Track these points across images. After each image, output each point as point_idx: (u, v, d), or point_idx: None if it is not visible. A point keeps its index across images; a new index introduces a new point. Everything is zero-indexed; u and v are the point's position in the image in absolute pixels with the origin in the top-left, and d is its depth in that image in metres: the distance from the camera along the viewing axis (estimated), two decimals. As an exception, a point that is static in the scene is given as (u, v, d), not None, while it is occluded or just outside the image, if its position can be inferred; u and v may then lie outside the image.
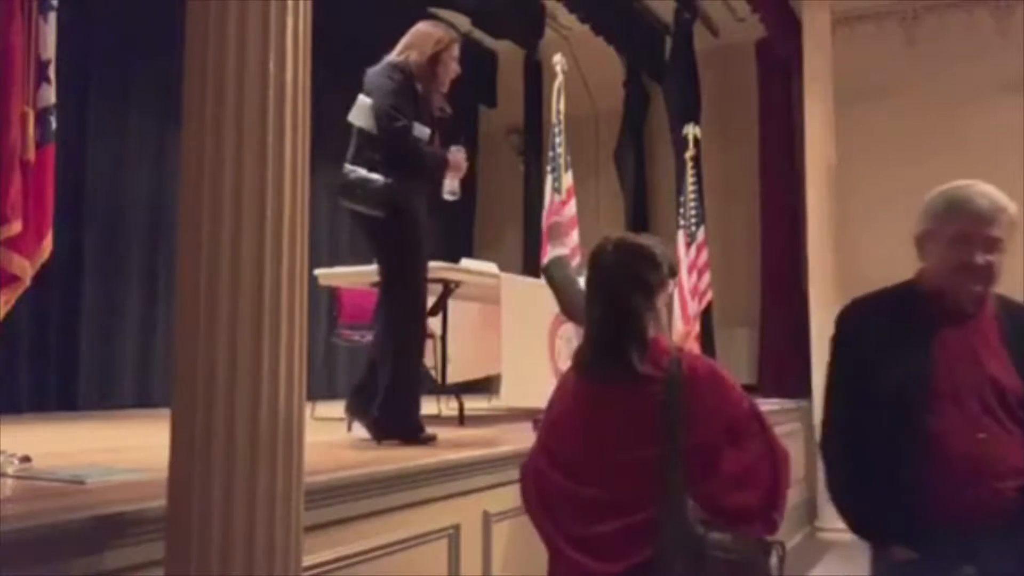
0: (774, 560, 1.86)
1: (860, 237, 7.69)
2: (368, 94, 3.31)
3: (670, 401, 1.88)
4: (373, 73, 3.34)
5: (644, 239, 2.10)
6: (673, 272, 2.10)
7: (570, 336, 4.50)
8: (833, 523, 6.73)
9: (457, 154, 3.45)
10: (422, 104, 3.36)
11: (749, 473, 1.91)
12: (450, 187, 3.49)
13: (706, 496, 1.86)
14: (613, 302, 2.00)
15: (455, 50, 3.48)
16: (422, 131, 3.30)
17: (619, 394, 1.95)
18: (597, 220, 8.50)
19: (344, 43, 6.43)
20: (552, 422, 2.09)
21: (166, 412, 1.66)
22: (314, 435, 2.09)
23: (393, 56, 3.39)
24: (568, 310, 2.61)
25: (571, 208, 5.71)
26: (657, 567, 1.81)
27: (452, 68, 3.47)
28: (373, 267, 3.60)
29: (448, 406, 4.67)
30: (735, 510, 1.87)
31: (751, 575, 1.82)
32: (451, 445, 3.11)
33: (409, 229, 3.25)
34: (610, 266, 2.04)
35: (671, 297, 2.10)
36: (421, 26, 3.49)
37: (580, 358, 2.08)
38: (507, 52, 9.26)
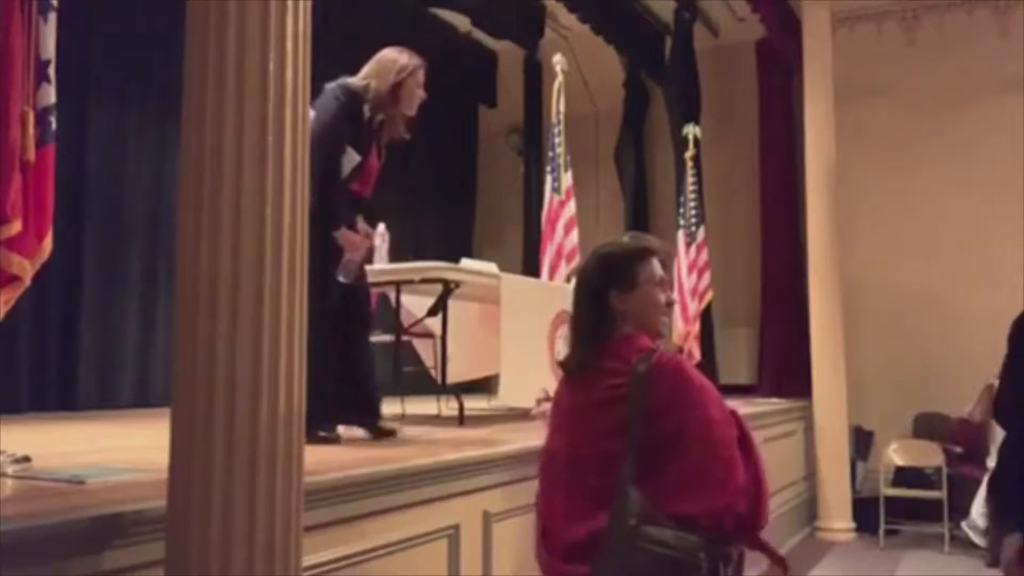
0: (721, 565, 1.81)
1: (860, 237, 7.70)
2: (314, 107, 3.28)
3: (632, 395, 1.92)
4: (324, 89, 3.27)
5: (613, 247, 2.22)
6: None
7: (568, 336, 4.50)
8: (833, 523, 6.74)
9: (353, 236, 3.24)
10: (366, 129, 3.31)
11: (713, 475, 1.87)
12: (343, 270, 3.22)
13: (658, 493, 1.83)
14: (576, 304, 2.18)
15: (420, 76, 3.41)
16: (352, 158, 3.24)
17: (585, 388, 2.04)
18: (597, 220, 8.51)
19: (344, 43, 6.42)
20: (549, 422, 2.19)
21: (166, 412, 1.66)
22: (314, 435, 2.10)
23: (353, 78, 3.34)
24: None
25: (571, 208, 5.72)
26: (598, 562, 1.82)
27: (417, 94, 3.41)
28: (369, 267, 3.63)
29: (448, 406, 4.68)
30: (695, 512, 1.83)
31: (682, 573, 1.76)
32: (451, 445, 3.11)
33: (316, 236, 3.19)
34: (580, 274, 2.24)
35: (651, 296, 2.12)
36: (386, 52, 3.43)
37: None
38: (507, 52, 9.25)
